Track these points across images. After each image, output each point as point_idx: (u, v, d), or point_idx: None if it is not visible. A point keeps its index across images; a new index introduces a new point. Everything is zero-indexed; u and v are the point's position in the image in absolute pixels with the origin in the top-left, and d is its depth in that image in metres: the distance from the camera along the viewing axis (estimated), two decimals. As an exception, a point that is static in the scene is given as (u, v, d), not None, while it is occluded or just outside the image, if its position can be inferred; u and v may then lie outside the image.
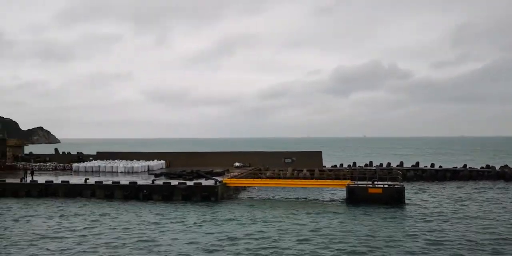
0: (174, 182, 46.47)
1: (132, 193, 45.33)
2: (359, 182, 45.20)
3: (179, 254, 24.85)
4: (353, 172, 57.01)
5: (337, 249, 25.65)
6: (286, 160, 67.73)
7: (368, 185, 43.59)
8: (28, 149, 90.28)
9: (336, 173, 60.97)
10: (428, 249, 25.73)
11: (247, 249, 25.71)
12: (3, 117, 75.74)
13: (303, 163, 66.44)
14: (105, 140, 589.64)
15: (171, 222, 33.69)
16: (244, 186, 51.74)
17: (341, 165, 72.45)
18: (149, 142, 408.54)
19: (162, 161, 69.46)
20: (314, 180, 51.22)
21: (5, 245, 26.83)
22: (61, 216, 36.28)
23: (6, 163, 68.27)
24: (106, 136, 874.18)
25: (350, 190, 43.09)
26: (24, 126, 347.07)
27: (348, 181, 45.59)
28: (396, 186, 43.49)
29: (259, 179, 51.34)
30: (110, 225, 32.39)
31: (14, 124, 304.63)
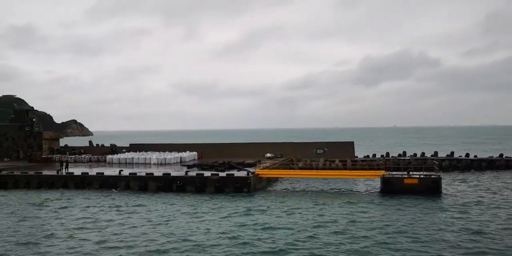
0: (207, 174, 46.58)
1: (166, 185, 45.63)
2: (394, 173, 44.38)
3: (213, 245, 24.84)
4: (386, 163, 56.05)
5: (375, 240, 25.17)
6: (318, 151, 67.09)
7: (403, 176, 42.75)
8: (63, 141, 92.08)
9: (369, 164, 60.03)
10: (469, 240, 25.01)
11: (283, 240, 25.50)
12: (37, 111, 77.50)
13: (334, 154, 65.69)
14: (136, 132, 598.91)
15: (205, 213, 33.76)
16: (277, 177, 51.51)
17: (374, 155, 71.35)
18: (179, 134, 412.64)
19: (194, 153, 69.81)
20: (347, 170, 50.48)
21: (44, 236, 27.33)
22: (97, 207, 36.85)
23: (42, 156, 69.81)
24: (137, 128, 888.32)
25: (385, 181, 42.34)
26: (58, 119, 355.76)
27: (382, 172, 44.79)
28: (432, 176, 42.50)
29: (292, 170, 50.97)
30: (145, 217, 32.65)
31: (49, 117, 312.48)
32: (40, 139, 72.57)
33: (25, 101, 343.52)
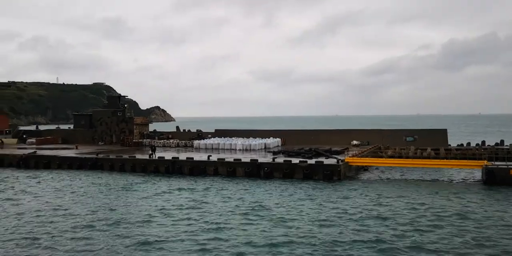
0: (295, 160, 45.96)
1: (254, 171, 45.63)
2: (497, 163, 41.23)
3: (307, 230, 24.52)
4: (483, 152, 52.34)
5: (482, 234, 23.27)
6: (408, 138, 64.10)
7: (509, 166, 39.54)
8: (151, 127, 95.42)
9: (464, 153, 56.47)
10: None
11: (381, 230, 24.32)
12: (125, 97, 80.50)
13: (426, 142, 62.45)
14: (214, 119, 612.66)
15: (298, 199, 33.23)
16: (366, 166, 49.78)
17: (468, 144, 67.06)
18: (257, 120, 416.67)
19: (278, 139, 69.47)
20: (445, 160, 47.57)
21: (142, 221, 28.04)
22: (186, 190, 37.52)
23: (134, 140, 72.78)
24: (215, 115, 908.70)
25: (488, 171, 39.32)
26: (142, 106, 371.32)
27: (484, 162, 41.73)
28: (542, 167, 38.94)
29: (382, 158, 49.01)
30: (237, 203, 32.66)
31: (135, 104, 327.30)
32: (131, 124, 75.61)
33: (113, 88, 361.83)
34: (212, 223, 26.57)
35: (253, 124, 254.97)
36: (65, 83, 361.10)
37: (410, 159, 47.92)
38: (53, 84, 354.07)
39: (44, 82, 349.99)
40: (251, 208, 30.44)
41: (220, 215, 28.63)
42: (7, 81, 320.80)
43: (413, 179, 43.62)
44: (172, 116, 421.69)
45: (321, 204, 31.51)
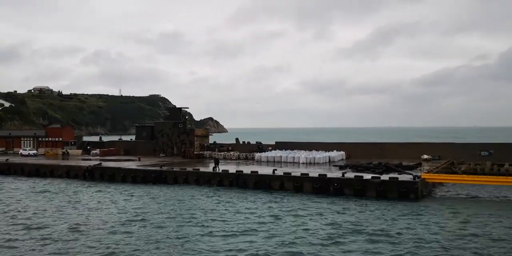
0: (366, 176, 43.58)
1: (322, 186, 43.61)
2: None
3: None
4: None
5: None
6: (482, 153, 60.09)
7: None
8: (211, 138, 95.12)
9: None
10: None
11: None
12: (182, 109, 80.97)
13: (502, 156, 58.29)
14: (266, 129, 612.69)
15: (377, 218, 31.08)
16: (441, 182, 46.59)
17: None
18: (309, 132, 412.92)
19: (342, 152, 67.09)
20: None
21: (211, 233, 26.81)
22: (256, 207, 36.11)
23: (195, 152, 72.48)
24: (267, 126, 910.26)
25: None
26: (196, 117, 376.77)
27: None
28: None
29: (461, 175, 45.67)
30: (310, 223, 30.86)
31: (190, 115, 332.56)
32: (192, 136, 75.47)
33: (168, 100, 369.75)
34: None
35: (306, 135, 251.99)
36: (123, 95, 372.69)
37: (494, 176, 44.12)
38: (111, 96, 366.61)
39: (103, 94, 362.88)
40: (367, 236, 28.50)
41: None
42: (69, 94, 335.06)
43: (496, 196, 40.44)
44: (224, 127, 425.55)
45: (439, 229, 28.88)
